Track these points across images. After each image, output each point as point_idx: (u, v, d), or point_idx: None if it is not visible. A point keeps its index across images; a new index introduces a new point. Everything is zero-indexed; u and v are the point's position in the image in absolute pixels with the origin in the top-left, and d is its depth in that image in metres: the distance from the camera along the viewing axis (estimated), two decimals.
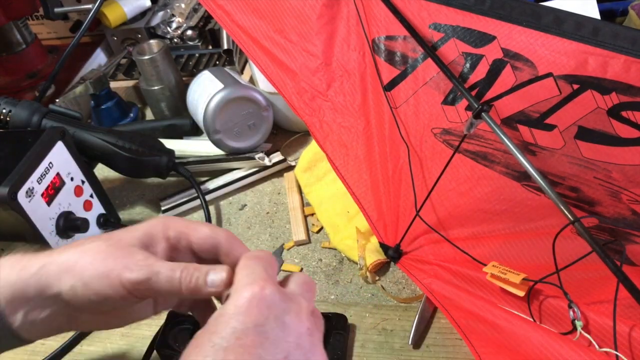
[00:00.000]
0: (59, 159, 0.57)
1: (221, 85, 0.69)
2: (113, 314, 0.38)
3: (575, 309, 0.45)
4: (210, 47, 0.95)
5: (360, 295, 0.55)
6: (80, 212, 0.60)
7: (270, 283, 0.33)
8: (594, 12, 0.61)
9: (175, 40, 0.94)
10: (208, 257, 0.38)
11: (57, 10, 0.90)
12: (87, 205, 0.61)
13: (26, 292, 0.35)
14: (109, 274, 0.34)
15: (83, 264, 0.35)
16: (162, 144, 0.69)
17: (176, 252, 0.38)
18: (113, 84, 0.88)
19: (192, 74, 0.81)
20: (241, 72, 0.85)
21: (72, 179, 0.59)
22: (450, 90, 0.51)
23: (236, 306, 0.31)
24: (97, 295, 0.35)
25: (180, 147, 0.73)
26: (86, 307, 0.36)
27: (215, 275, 0.35)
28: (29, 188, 0.52)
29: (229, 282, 0.35)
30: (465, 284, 0.51)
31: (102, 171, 0.73)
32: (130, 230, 0.38)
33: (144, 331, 0.54)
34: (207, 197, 0.69)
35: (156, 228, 0.38)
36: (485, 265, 0.49)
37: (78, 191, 0.60)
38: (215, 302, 0.39)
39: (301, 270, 0.59)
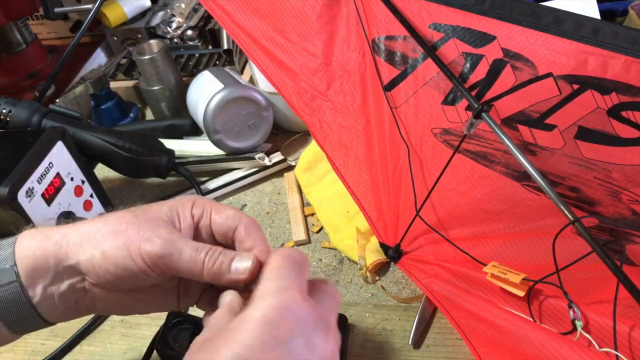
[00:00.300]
0: (59, 159, 0.57)
1: (221, 85, 0.69)
2: (134, 296, 0.36)
3: (576, 309, 0.45)
4: (210, 47, 0.95)
5: (360, 295, 0.55)
6: (80, 212, 0.60)
7: (303, 294, 0.30)
8: (594, 12, 0.61)
9: (175, 40, 0.94)
10: (223, 241, 0.37)
11: (57, 10, 0.90)
12: (87, 205, 0.61)
13: (46, 262, 0.34)
14: (129, 245, 0.33)
15: (104, 233, 0.34)
16: (162, 144, 0.69)
17: (197, 231, 0.37)
18: (113, 84, 0.88)
19: (192, 74, 0.81)
20: (241, 72, 0.85)
21: (72, 179, 0.59)
22: (450, 90, 0.51)
23: (263, 315, 0.28)
24: (116, 267, 0.33)
25: (180, 147, 0.73)
26: (105, 282, 0.34)
27: (241, 262, 0.33)
28: (29, 188, 0.52)
29: (255, 273, 0.33)
30: (465, 284, 0.51)
31: (102, 171, 0.73)
32: (158, 204, 0.36)
33: (144, 331, 0.54)
34: (207, 197, 0.69)
35: (184, 204, 0.36)
36: (485, 265, 0.49)
37: (78, 191, 0.60)
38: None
39: None
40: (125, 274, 0.33)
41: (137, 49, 0.79)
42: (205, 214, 0.37)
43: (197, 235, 0.37)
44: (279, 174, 0.72)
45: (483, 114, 0.45)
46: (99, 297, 0.36)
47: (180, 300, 0.39)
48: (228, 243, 0.37)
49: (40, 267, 0.34)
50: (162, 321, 0.49)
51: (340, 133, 0.59)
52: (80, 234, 0.34)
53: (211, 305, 0.39)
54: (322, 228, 0.63)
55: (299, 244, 0.62)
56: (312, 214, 0.65)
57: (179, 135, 0.78)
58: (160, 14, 0.96)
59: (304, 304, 0.30)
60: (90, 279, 0.34)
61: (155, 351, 0.49)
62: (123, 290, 0.36)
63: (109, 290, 0.35)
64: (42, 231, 0.35)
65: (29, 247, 0.34)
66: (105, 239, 0.33)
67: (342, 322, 0.50)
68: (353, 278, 0.57)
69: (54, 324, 0.36)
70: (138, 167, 0.66)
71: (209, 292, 0.39)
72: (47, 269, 0.34)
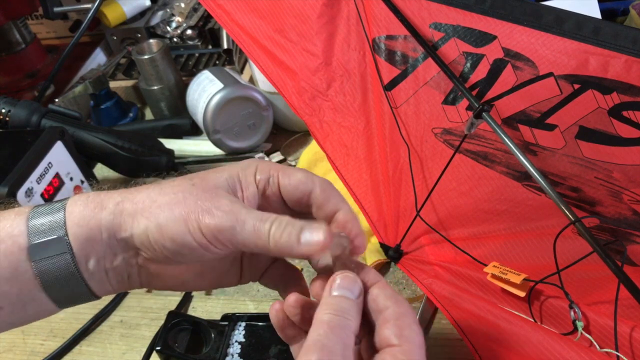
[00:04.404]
0: (59, 158, 0.57)
1: (221, 85, 0.69)
2: (192, 270, 0.34)
3: (576, 310, 0.45)
4: (210, 47, 0.94)
5: None
6: None
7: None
8: (594, 11, 0.61)
9: (175, 39, 0.93)
10: (298, 208, 0.34)
11: (56, 9, 0.90)
12: None
13: (99, 234, 0.31)
14: (186, 217, 0.30)
15: (160, 203, 0.30)
16: (161, 144, 0.69)
17: (265, 199, 0.33)
18: (112, 84, 0.88)
19: (192, 74, 0.81)
20: (241, 72, 0.84)
21: (71, 178, 0.59)
22: (451, 90, 0.51)
23: None
24: (173, 242, 0.30)
25: (180, 147, 0.73)
26: (161, 257, 0.31)
27: (311, 234, 0.30)
28: (29, 188, 0.52)
29: (327, 245, 0.30)
30: (465, 284, 0.51)
31: (102, 171, 0.73)
32: (217, 171, 0.33)
33: (144, 332, 0.54)
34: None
35: (247, 170, 0.33)
36: (485, 265, 0.49)
37: (77, 191, 0.60)
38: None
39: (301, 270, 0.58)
40: (183, 249, 0.30)
41: (137, 48, 0.79)
42: (272, 180, 0.33)
43: (265, 204, 0.33)
44: None
45: (484, 113, 0.45)
46: (155, 272, 0.33)
47: (243, 276, 0.36)
48: (302, 210, 0.34)
49: (93, 239, 0.31)
50: (161, 322, 0.49)
51: (341, 133, 0.59)
52: (134, 203, 0.31)
53: (278, 283, 0.36)
54: None
55: None
56: None
57: (178, 135, 0.78)
58: (160, 13, 0.96)
59: None
60: (145, 253, 0.32)
61: (154, 352, 0.49)
62: (181, 266, 0.33)
63: (166, 265, 0.32)
64: (95, 198, 0.32)
65: (81, 216, 0.31)
66: (160, 211, 0.30)
67: None
68: None
69: (100, 297, 0.33)
70: (138, 167, 0.66)
71: (276, 267, 0.36)
72: (100, 242, 0.31)
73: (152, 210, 0.30)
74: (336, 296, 0.30)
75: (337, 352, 0.27)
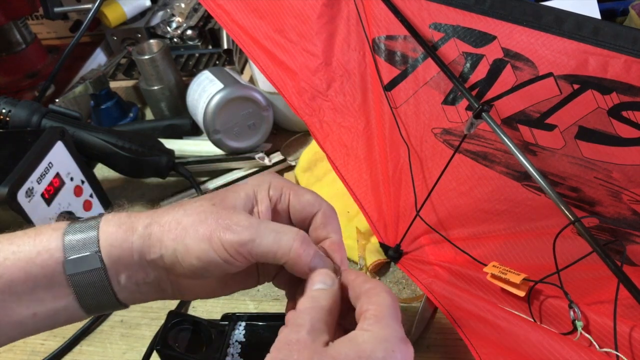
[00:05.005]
0: (59, 159, 0.57)
1: (221, 85, 0.69)
2: (217, 281, 0.37)
3: (576, 309, 0.45)
4: (210, 47, 0.94)
5: None
6: (80, 212, 0.60)
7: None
8: (594, 11, 0.61)
9: (175, 40, 0.93)
10: (299, 225, 0.37)
11: (56, 10, 0.90)
12: (87, 205, 0.61)
13: (131, 256, 0.34)
14: (210, 236, 0.33)
15: (185, 224, 0.34)
16: (162, 144, 0.69)
17: (275, 213, 0.37)
18: (113, 84, 0.88)
19: (192, 74, 0.81)
20: (241, 72, 0.85)
21: (71, 179, 0.59)
22: (451, 90, 0.51)
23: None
24: (199, 260, 0.33)
25: (180, 147, 0.73)
26: (189, 273, 0.34)
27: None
28: (29, 188, 0.52)
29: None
30: (465, 284, 0.51)
31: (102, 171, 0.73)
32: (234, 190, 0.36)
33: (144, 331, 0.54)
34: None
35: (261, 186, 0.36)
36: (485, 265, 0.49)
37: (78, 191, 0.60)
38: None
39: None
40: (208, 266, 0.33)
41: (137, 48, 0.79)
42: (284, 197, 0.37)
43: (274, 217, 0.37)
44: (279, 174, 0.72)
45: (483, 113, 0.45)
46: (185, 285, 0.36)
47: (260, 279, 0.39)
48: (302, 227, 0.37)
49: (125, 259, 0.34)
50: (161, 321, 0.49)
51: (341, 133, 0.59)
52: (161, 225, 0.34)
53: (286, 285, 0.39)
54: None
55: None
56: None
57: (178, 135, 0.78)
58: (160, 13, 0.96)
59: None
60: (175, 271, 0.35)
61: (154, 351, 0.49)
62: (208, 278, 0.36)
63: (194, 279, 0.36)
64: (126, 220, 0.35)
65: (115, 237, 0.34)
66: (186, 232, 0.33)
67: None
68: None
69: (129, 306, 0.37)
70: (138, 167, 0.66)
71: (285, 271, 0.39)
72: (131, 262, 0.34)
73: (179, 232, 0.34)
74: (313, 289, 0.34)
75: (305, 324, 0.31)
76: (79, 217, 0.58)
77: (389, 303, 0.32)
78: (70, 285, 0.34)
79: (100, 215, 0.36)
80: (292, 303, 0.37)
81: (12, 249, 0.34)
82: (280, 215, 0.37)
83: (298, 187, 0.37)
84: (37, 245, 0.34)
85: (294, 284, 0.38)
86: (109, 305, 0.36)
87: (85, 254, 0.33)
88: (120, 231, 0.34)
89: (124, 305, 0.36)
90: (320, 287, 0.34)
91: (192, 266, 0.34)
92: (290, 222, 0.38)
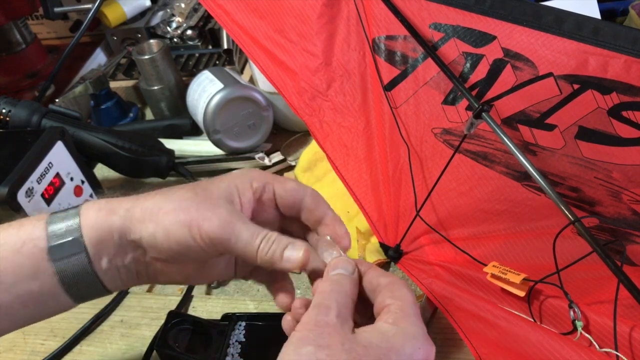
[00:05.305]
0: (59, 159, 0.57)
1: (221, 85, 0.69)
2: (193, 267, 0.38)
3: (576, 309, 0.45)
4: (210, 47, 0.94)
5: None
6: None
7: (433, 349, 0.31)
8: (594, 11, 0.61)
9: (175, 40, 0.93)
10: (290, 213, 0.38)
11: (56, 10, 0.90)
12: None
13: (112, 236, 0.35)
14: (190, 223, 0.34)
15: (166, 210, 0.34)
16: (162, 144, 0.69)
17: (260, 204, 0.38)
18: (113, 84, 0.88)
19: (192, 74, 0.81)
20: (241, 72, 0.85)
21: (71, 179, 0.59)
22: (451, 90, 0.51)
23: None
24: (178, 245, 0.34)
25: (180, 147, 0.73)
26: (166, 257, 0.35)
27: (293, 251, 0.34)
28: (29, 188, 0.52)
29: (306, 262, 0.34)
30: (465, 284, 0.51)
31: (102, 171, 0.73)
32: (217, 181, 0.37)
33: (144, 331, 0.54)
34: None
35: (244, 179, 0.37)
36: (485, 265, 0.49)
37: (78, 191, 0.60)
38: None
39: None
40: (186, 251, 0.34)
41: (137, 48, 0.79)
42: (268, 187, 0.37)
43: (260, 209, 0.38)
44: (279, 174, 0.72)
45: (483, 113, 0.45)
46: (161, 269, 0.37)
47: (237, 272, 0.40)
48: (292, 214, 0.38)
49: (105, 240, 0.35)
50: (161, 321, 0.49)
51: (341, 133, 0.59)
52: (143, 209, 0.35)
53: (265, 279, 0.40)
54: None
55: None
56: None
57: (178, 135, 0.78)
58: (160, 13, 0.96)
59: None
60: (152, 254, 0.35)
61: (155, 351, 0.49)
62: (184, 263, 0.37)
63: (171, 263, 0.36)
64: (107, 205, 0.36)
65: (95, 220, 0.35)
66: (166, 217, 0.34)
67: None
68: None
69: (112, 292, 0.37)
70: (138, 167, 0.66)
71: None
72: (112, 243, 0.35)
73: (160, 216, 0.34)
74: (334, 274, 0.34)
75: (333, 307, 0.31)
76: None
77: (411, 299, 0.33)
78: (55, 273, 0.34)
79: (82, 204, 0.36)
80: (277, 296, 0.38)
81: None
82: (266, 205, 0.38)
83: (281, 177, 0.38)
84: (22, 236, 0.34)
85: (273, 278, 0.39)
86: (94, 291, 0.36)
87: (68, 238, 0.34)
88: (101, 214, 0.35)
89: (108, 291, 0.37)
90: (341, 272, 0.34)
91: (170, 250, 0.34)
92: (277, 210, 0.38)
